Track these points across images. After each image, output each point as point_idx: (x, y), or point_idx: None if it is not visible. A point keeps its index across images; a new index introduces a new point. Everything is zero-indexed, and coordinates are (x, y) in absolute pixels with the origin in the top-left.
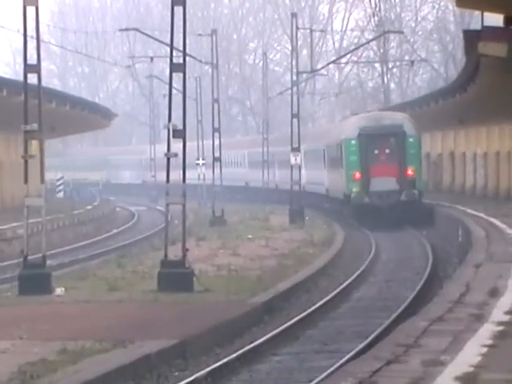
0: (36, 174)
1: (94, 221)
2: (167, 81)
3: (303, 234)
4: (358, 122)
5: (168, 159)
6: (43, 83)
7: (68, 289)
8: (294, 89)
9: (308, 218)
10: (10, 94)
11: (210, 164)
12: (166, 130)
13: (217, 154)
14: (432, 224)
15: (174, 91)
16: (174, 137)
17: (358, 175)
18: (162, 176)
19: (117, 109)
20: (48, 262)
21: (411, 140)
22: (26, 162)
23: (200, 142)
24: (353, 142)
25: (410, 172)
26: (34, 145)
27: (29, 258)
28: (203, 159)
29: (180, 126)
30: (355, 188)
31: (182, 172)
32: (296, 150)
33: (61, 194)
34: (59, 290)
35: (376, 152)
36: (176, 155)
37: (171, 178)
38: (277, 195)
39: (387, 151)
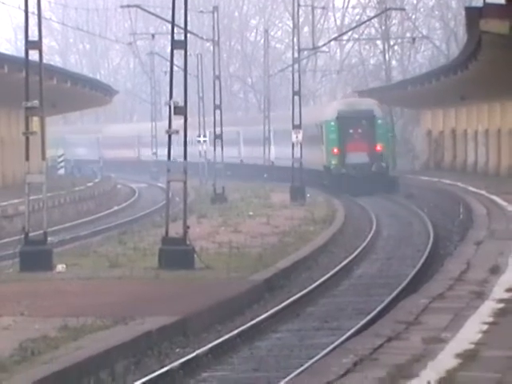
0: (37, 150)
1: (95, 198)
2: (168, 58)
3: (304, 212)
4: (337, 107)
5: (169, 136)
6: (44, 60)
7: (69, 265)
8: (296, 66)
9: (309, 195)
10: (11, 70)
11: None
12: (168, 107)
13: (218, 131)
14: (396, 191)
15: (175, 68)
16: (175, 113)
17: (336, 150)
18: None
19: (118, 86)
20: (49, 239)
21: (379, 122)
22: (27, 139)
23: (201, 119)
24: (332, 123)
25: (378, 148)
26: (35, 121)
27: (30, 234)
28: (204, 136)
29: (181, 103)
30: (334, 161)
31: (183, 149)
32: (297, 127)
33: (62, 171)
34: (60, 267)
35: (351, 131)
36: (177, 132)
37: (172, 154)
38: (276, 173)
39: (360, 131)
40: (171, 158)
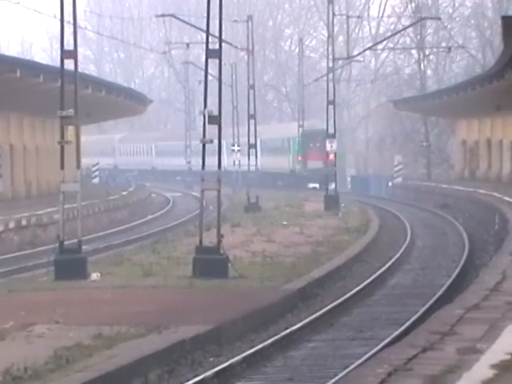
0: (72, 159)
1: (129, 206)
2: (203, 67)
3: (338, 221)
4: (302, 126)
5: (203, 145)
6: (79, 69)
7: (103, 274)
8: (330, 75)
9: (343, 205)
10: (47, 79)
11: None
12: (202, 116)
13: (252, 141)
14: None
15: (209, 77)
16: (209, 123)
17: (300, 158)
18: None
19: (152, 95)
20: (83, 247)
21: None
22: (62, 148)
23: (235, 128)
24: (297, 138)
25: (331, 157)
26: (70, 130)
27: (65, 243)
28: (238, 145)
29: (215, 112)
30: (298, 166)
31: (217, 158)
32: (331, 136)
33: (96, 180)
34: (95, 275)
35: (311, 145)
36: (211, 141)
37: (207, 164)
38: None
39: (318, 145)
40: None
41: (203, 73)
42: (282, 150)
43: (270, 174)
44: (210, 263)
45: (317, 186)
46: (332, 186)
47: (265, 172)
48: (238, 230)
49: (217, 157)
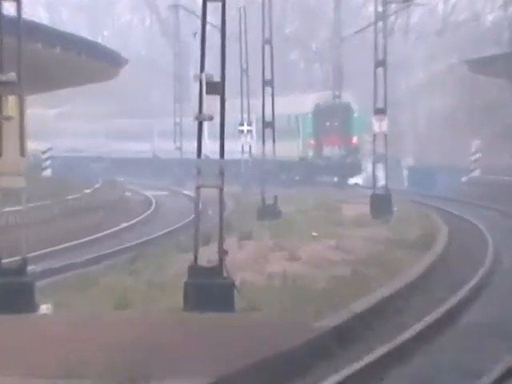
0: (14, 143)
1: (96, 210)
2: (199, 13)
3: (390, 231)
4: (313, 99)
5: (200, 123)
6: (25, 15)
7: (58, 305)
8: (379, 25)
9: (397, 208)
10: None
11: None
12: (198, 83)
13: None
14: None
15: (208, 28)
16: (208, 92)
17: (312, 142)
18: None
19: (128, 53)
20: (30, 268)
21: (356, 115)
22: None
23: (245, 100)
24: (309, 115)
25: (354, 141)
26: (10, 102)
27: (3, 261)
28: (250, 124)
29: (217, 78)
30: (310, 153)
31: (219, 142)
32: (381, 112)
33: (48, 172)
34: (45, 307)
35: (327, 124)
36: (211, 118)
37: (204, 150)
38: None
39: (336, 124)
40: (202, 155)
41: (200, 21)
42: (287, 131)
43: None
44: (209, 290)
45: (358, 181)
46: (381, 182)
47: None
48: (249, 243)
49: (218, 140)
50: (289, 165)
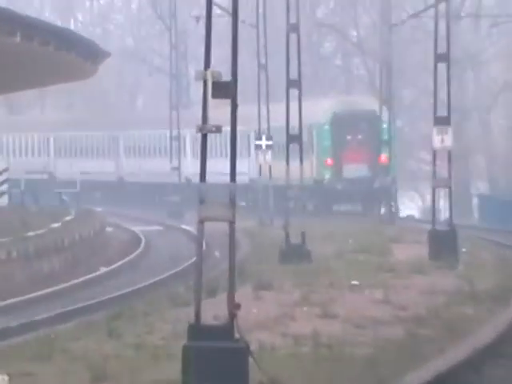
0: None
1: (66, 250)
2: None
3: (455, 280)
4: (331, 106)
5: (203, 137)
6: None
7: (16, 376)
8: (441, 7)
9: (465, 249)
10: None
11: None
12: (201, 84)
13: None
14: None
15: (215, 10)
16: (214, 96)
17: (330, 161)
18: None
19: (109, 43)
20: None
21: (385, 125)
22: None
23: (263, 107)
24: (326, 126)
25: (383, 158)
26: None
27: None
28: (269, 138)
29: (227, 77)
30: (327, 174)
31: (229, 161)
32: (443, 121)
33: (5, 200)
34: (0, 379)
35: (349, 138)
36: (219, 130)
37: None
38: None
39: (359, 137)
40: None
41: (203, 1)
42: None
43: (276, 187)
44: (216, 357)
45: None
46: (443, 214)
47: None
48: (269, 295)
49: (228, 159)
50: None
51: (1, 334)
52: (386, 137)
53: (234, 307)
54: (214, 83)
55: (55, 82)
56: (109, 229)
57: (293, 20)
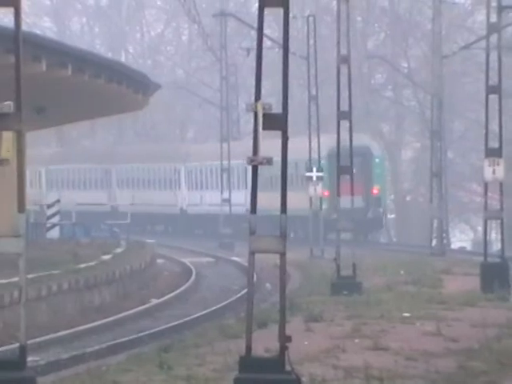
0: (10, 194)
1: (116, 282)
2: (253, 23)
3: (507, 312)
4: (327, 142)
5: (254, 168)
6: (25, 25)
7: None
8: (492, 39)
9: None
10: None
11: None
12: (252, 115)
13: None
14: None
15: (265, 42)
16: (265, 127)
17: (326, 193)
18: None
19: (159, 75)
20: (30, 360)
21: (377, 160)
22: None
23: (314, 138)
24: (322, 161)
25: (375, 191)
26: (6, 140)
27: None
28: (320, 169)
29: (277, 109)
30: (324, 205)
31: (280, 192)
32: (494, 153)
33: (55, 233)
34: None
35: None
36: (270, 162)
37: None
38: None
39: (354, 171)
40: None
41: (254, 33)
42: (296, 179)
43: (268, 218)
44: None
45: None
46: (496, 246)
47: (260, 216)
48: (320, 327)
49: (277, 191)
50: (299, 220)
51: (52, 366)
52: (378, 170)
53: (285, 339)
54: (264, 115)
55: (106, 114)
56: (160, 260)
57: (343, 51)
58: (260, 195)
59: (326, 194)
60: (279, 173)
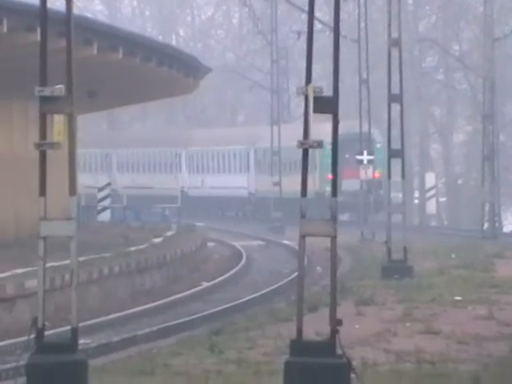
0: (61, 178)
1: (167, 265)
2: (304, 6)
3: None
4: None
5: (305, 152)
6: (76, 9)
7: None
8: None
9: None
10: (15, 28)
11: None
12: (302, 98)
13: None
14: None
15: (316, 26)
16: (315, 111)
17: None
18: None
19: (209, 59)
20: (81, 342)
21: (378, 146)
22: (42, 155)
23: (364, 122)
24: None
25: (376, 174)
26: (58, 124)
27: (47, 333)
28: (371, 153)
29: (328, 92)
30: (328, 188)
31: (331, 176)
32: None
33: (106, 216)
34: None
35: (347, 156)
36: (319, 145)
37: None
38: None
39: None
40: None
41: (305, 16)
42: (300, 164)
43: (268, 200)
44: (318, 373)
45: None
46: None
47: (263, 197)
48: (370, 310)
49: (323, 174)
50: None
51: (103, 349)
52: (379, 156)
53: (335, 323)
54: (315, 98)
55: (156, 98)
56: (211, 244)
57: (394, 34)
58: (264, 178)
59: (330, 177)
60: (286, 157)
